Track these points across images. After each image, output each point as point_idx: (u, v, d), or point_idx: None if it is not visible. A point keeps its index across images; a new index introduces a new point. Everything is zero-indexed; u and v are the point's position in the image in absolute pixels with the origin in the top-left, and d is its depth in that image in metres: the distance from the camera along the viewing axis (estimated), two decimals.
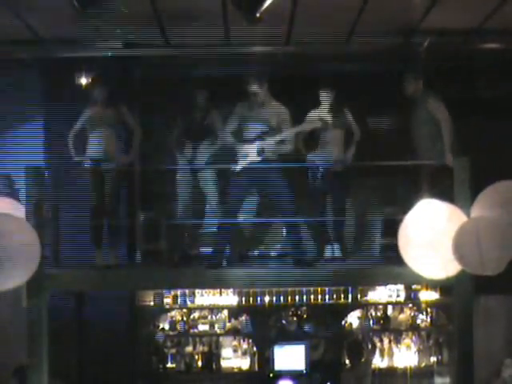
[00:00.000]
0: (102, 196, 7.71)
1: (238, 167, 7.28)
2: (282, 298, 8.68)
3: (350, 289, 8.68)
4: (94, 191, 7.72)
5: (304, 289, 8.63)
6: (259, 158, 7.24)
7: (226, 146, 7.58)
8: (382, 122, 9.06)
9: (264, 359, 8.57)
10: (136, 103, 8.68)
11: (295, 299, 8.71)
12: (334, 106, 8.02)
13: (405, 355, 8.78)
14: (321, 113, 8.01)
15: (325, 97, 8.00)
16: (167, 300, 8.70)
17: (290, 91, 8.17)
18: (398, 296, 8.84)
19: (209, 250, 7.85)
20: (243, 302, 8.69)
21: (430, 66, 8.06)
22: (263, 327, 8.69)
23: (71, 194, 8.02)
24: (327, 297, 8.71)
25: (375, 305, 8.88)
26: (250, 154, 7.24)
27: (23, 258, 6.06)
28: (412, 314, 8.91)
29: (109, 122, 7.71)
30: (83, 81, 8.29)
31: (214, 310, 8.78)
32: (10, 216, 6.27)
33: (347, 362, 8.68)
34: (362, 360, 8.55)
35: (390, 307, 8.90)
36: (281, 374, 8.43)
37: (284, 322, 8.83)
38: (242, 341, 8.79)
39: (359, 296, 8.77)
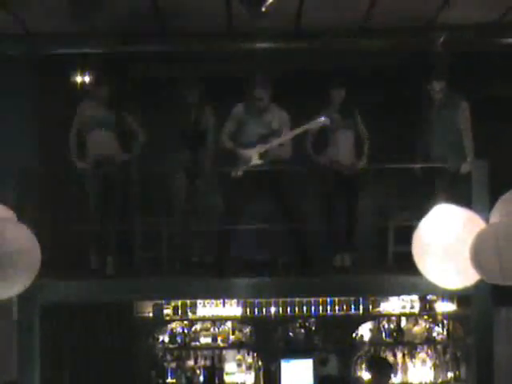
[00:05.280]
0: (101, 201, 7.47)
1: (240, 171, 7.12)
2: (288, 309, 8.34)
3: (361, 300, 8.34)
4: (92, 196, 7.49)
5: (312, 299, 8.30)
6: (261, 162, 7.09)
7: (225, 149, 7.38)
8: (395, 123, 8.83)
9: (270, 374, 8.24)
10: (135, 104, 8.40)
11: (303, 310, 8.38)
12: (343, 107, 7.72)
13: (420, 370, 8.46)
14: (329, 113, 7.67)
15: (334, 96, 7.71)
16: (167, 311, 8.36)
17: (297, 90, 8.03)
18: (412, 307, 8.50)
19: (212, 257, 7.69)
20: (248, 313, 8.36)
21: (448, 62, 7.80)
22: (269, 340, 8.35)
23: (66, 198, 7.93)
24: (337, 308, 8.37)
25: (388, 316, 8.55)
26: (251, 157, 7.08)
27: (24, 264, 5.75)
28: (427, 327, 8.58)
29: (108, 124, 7.45)
30: (81, 79, 8.09)
31: (217, 321, 8.48)
32: (10, 221, 5.96)
33: (365, 377, 8.29)
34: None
35: (403, 319, 8.58)
36: None
37: (291, 334, 8.51)
38: (246, 354, 8.47)
39: (371, 307, 8.43)
